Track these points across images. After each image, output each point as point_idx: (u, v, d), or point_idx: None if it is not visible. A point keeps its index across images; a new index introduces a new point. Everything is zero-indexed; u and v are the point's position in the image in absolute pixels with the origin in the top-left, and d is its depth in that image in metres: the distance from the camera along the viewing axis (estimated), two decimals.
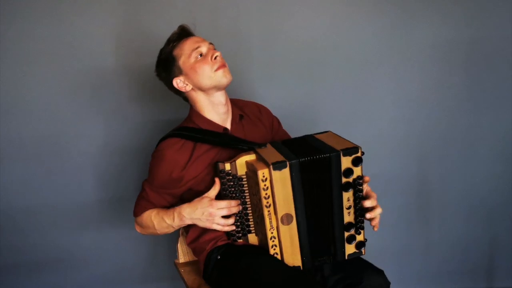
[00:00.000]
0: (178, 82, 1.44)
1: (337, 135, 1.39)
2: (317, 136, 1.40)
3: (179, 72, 1.43)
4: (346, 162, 1.26)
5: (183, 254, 1.66)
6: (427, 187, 2.20)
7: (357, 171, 1.27)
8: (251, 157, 1.34)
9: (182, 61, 1.42)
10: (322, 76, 2.00)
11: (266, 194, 1.27)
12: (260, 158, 1.31)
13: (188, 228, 1.52)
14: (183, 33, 1.46)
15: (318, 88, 2.01)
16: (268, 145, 1.37)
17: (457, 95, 2.12)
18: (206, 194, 1.37)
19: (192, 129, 1.46)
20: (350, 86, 2.04)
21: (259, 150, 1.33)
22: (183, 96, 1.50)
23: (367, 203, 1.32)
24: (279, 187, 1.26)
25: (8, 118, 1.78)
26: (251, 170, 1.30)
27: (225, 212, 1.35)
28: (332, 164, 1.26)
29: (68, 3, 1.73)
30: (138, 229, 1.56)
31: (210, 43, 1.45)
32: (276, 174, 1.24)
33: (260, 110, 1.62)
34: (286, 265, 1.33)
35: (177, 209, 1.41)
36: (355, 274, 1.34)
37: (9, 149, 1.81)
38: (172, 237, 1.83)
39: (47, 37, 1.73)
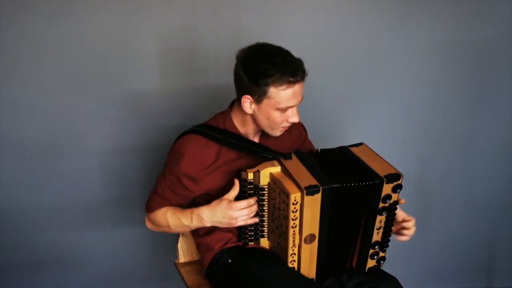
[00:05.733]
0: (246, 102, 1.31)
1: (371, 150, 1.36)
2: (353, 149, 1.35)
3: (257, 101, 1.29)
4: (386, 189, 1.23)
5: (183, 254, 1.66)
6: (427, 187, 2.20)
7: (394, 197, 1.26)
8: (275, 169, 1.31)
9: (268, 101, 1.28)
10: (321, 77, 2.00)
11: (294, 216, 1.25)
12: (286, 173, 1.29)
13: None
14: (290, 74, 1.25)
15: (317, 88, 2.01)
16: (294, 157, 1.33)
17: (457, 95, 2.11)
18: (225, 196, 1.32)
19: (216, 128, 1.39)
20: (349, 87, 2.04)
21: (284, 162, 1.31)
22: (237, 96, 1.36)
23: (409, 224, 1.37)
24: (308, 210, 1.24)
25: (8, 117, 1.78)
26: (283, 192, 1.26)
27: (246, 212, 1.32)
28: (373, 191, 1.23)
29: (69, 2, 1.73)
30: (149, 225, 1.49)
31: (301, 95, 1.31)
32: (308, 199, 1.21)
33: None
34: (300, 276, 1.33)
35: (195, 211, 1.35)
36: (372, 280, 1.37)
37: (9, 149, 1.81)
38: (172, 237, 1.83)
39: (48, 36, 1.73)
